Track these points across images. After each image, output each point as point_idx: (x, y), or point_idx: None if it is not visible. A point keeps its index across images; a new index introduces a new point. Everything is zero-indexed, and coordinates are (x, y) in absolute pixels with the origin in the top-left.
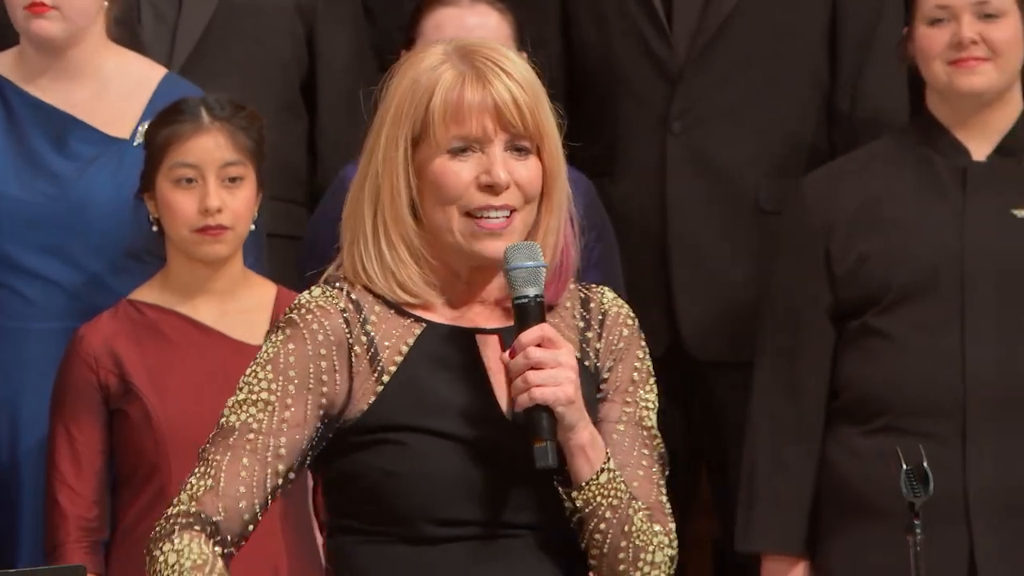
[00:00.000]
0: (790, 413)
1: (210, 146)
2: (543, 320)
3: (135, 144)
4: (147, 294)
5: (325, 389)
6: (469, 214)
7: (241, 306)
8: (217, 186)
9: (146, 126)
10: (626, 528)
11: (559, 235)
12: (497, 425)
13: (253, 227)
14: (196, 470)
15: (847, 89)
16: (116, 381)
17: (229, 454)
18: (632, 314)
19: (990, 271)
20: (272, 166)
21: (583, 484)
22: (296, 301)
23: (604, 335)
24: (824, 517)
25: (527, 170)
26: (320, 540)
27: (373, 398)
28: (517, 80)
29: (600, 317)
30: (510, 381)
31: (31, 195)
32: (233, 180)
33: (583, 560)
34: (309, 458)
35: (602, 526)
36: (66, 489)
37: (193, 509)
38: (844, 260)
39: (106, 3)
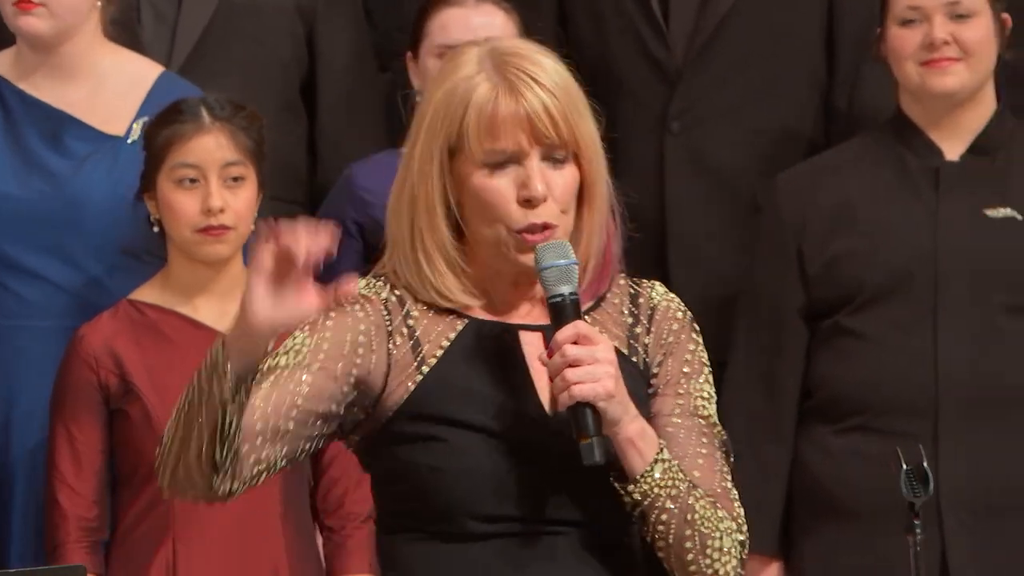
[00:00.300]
0: (767, 412)
1: (212, 146)
2: (579, 317)
3: (130, 141)
4: (147, 294)
5: (359, 361)
6: (515, 231)
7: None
8: (219, 186)
9: (142, 123)
10: (689, 517)
11: (602, 234)
12: (539, 421)
13: (253, 227)
14: None
15: (844, 88)
16: (116, 381)
17: (251, 392)
18: (683, 307)
19: (963, 271)
20: (272, 166)
21: (638, 477)
22: None
23: (653, 329)
24: (797, 517)
25: (563, 179)
26: (320, 541)
27: (412, 386)
28: (550, 89)
29: (649, 312)
30: (551, 380)
31: (26, 193)
32: (235, 180)
33: (629, 557)
34: (340, 424)
35: (664, 517)
36: (66, 489)
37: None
38: (817, 260)
39: (99, 2)
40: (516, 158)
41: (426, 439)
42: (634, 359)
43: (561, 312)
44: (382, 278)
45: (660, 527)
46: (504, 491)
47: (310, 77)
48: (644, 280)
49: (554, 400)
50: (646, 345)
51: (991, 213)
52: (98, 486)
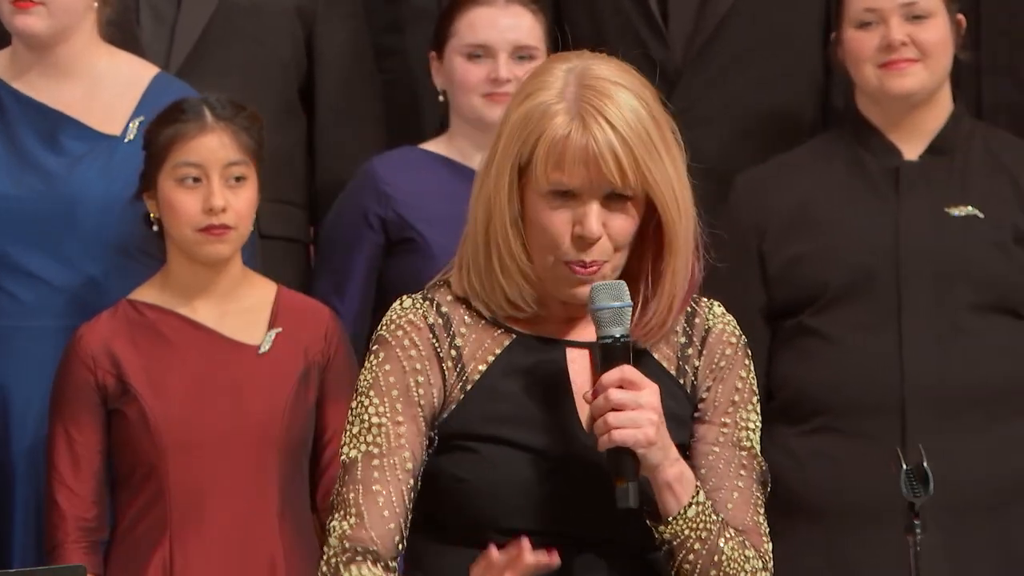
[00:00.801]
0: None
1: (214, 145)
2: (627, 361)
3: (126, 141)
4: (146, 294)
5: (423, 402)
6: (564, 262)
7: (240, 306)
8: (221, 186)
9: (139, 123)
10: (716, 558)
11: (686, 273)
12: (575, 438)
13: (252, 228)
14: (335, 514)
15: (842, 88)
16: (113, 381)
17: (360, 487)
18: (738, 331)
19: (926, 270)
20: (270, 167)
21: (670, 519)
22: (387, 317)
23: (705, 352)
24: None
25: (622, 221)
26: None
27: (455, 405)
28: (620, 131)
29: (703, 334)
30: (593, 420)
31: (22, 192)
32: (236, 180)
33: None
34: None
35: (691, 557)
36: (64, 489)
37: (347, 546)
38: (777, 260)
39: (96, 3)
40: (578, 194)
41: (458, 450)
42: (682, 381)
43: (610, 354)
44: (433, 291)
45: (686, 566)
46: (527, 505)
47: (309, 78)
48: (703, 299)
49: (592, 420)
50: (696, 368)
51: (953, 211)
52: (97, 486)
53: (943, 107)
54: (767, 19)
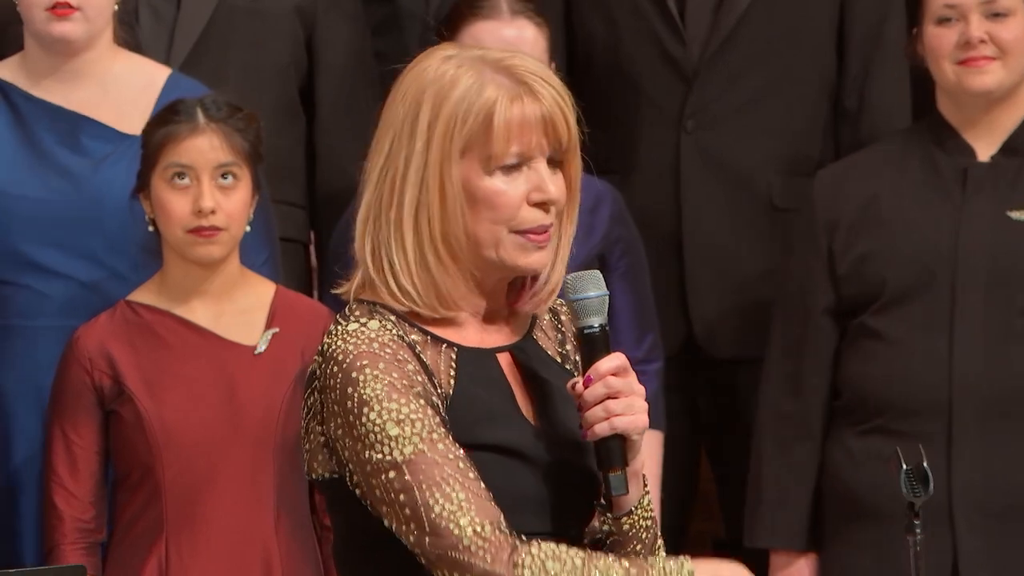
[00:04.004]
0: (795, 410)
1: (204, 147)
2: (609, 349)
3: None
4: (144, 295)
5: (434, 397)
6: (518, 231)
7: (237, 307)
8: (211, 187)
9: None
10: (654, 548)
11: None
12: (537, 439)
13: (248, 228)
14: (429, 525)
15: (855, 88)
16: (110, 383)
17: (438, 476)
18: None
19: (981, 273)
20: (270, 168)
21: (631, 510)
22: (358, 338)
23: (572, 348)
24: (826, 515)
25: (561, 183)
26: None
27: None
28: (561, 92)
29: (569, 327)
30: (584, 408)
31: (47, 194)
32: (227, 180)
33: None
34: None
35: (639, 548)
36: (62, 491)
37: (488, 528)
38: (845, 259)
39: (116, 6)
40: (529, 160)
41: None
42: (576, 374)
43: (594, 343)
44: (378, 309)
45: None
46: (519, 507)
47: (309, 79)
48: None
49: (538, 419)
50: (576, 362)
51: (1015, 215)
52: (94, 488)
53: (1020, 106)
54: (783, 19)
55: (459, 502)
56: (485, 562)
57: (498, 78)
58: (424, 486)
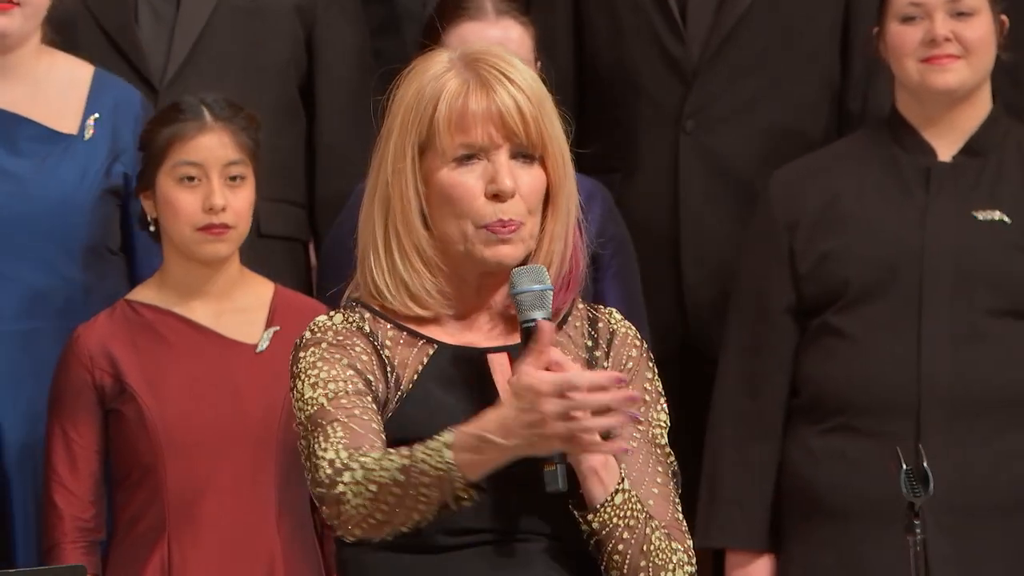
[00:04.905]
0: (753, 410)
1: (214, 145)
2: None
3: (85, 139)
4: (144, 294)
5: (373, 388)
6: (481, 226)
7: (237, 305)
8: (221, 185)
9: (94, 120)
10: (645, 548)
11: (566, 241)
12: None
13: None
14: (314, 462)
15: (858, 90)
16: (111, 381)
17: (335, 420)
18: (640, 336)
19: (948, 273)
20: (270, 168)
21: (598, 507)
22: (316, 326)
23: (612, 355)
24: (785, 515)
25: (531, 179)
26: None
27: (391, 414)
28: (521, 88)
29: (608, 337)
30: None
31: None
32: (235, 179)
33: (596, 567)
34: None
35: (620, 547)
36: (62, 490)
37: (343, 455)
38: (807, 258)
39: (49, 3)
40: (485, 153)
41: None
42: None
43: (533, 337)
44: (356, 307)
45: (616, 557)
46: (475, 507)
47: (309, 78)
48: (601, 306)
49: None
50: (605, 369)
51: (979, 215)
52: (94, 486)
53: (982, 107)
54: (784, 20)
55: (335, 441)
56: (329, 489)
57: (459, 72)
58: (315, 435)
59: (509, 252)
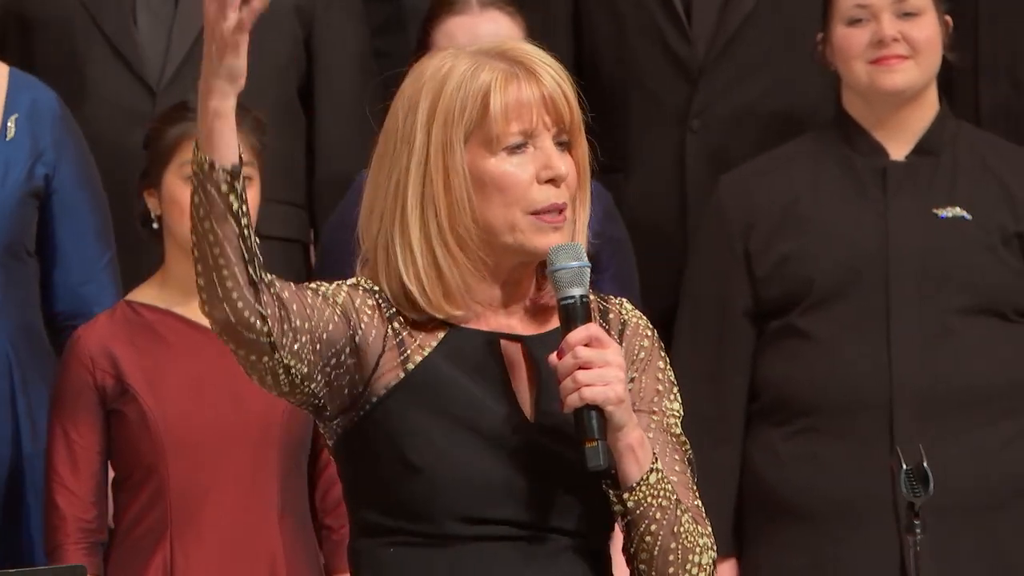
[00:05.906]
0: (713, 414)
1: None
2: (589, 320)
3: (7, 140)
4: (144, 294)
5: (362, 328)
6: (532, 212)
7: None
8: None
9: (15, 120)
10: (676, 529)
11: (586, 229)
12: (522, 429)
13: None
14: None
15: None
16: (112, 382)
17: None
18: (651, 326)
19: (913, 271)
20: (270, 168)
21: (634, 485)
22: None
23: (624, 345)
24: (749, 518)
25: (570, 164)
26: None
27: (395, 382)
28: (560, 73)
29: (620, 327)
30: (560, 381)
31: None
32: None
33: (609, 565)
34: (330, 393)
35: (653, 527)
36: (64, 491)
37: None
38: (765, 260)
39: None
40: (532, 140)
41: (410, 434)
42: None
43: (573, 314)
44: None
45: (648, 538)
46: (488, 493)
47: (309, 78)
48: (611, 297)
49: (536, 409)
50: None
51: (940, 213)
52: (96, 487)
53: (930, 107)
54: (789, 19)
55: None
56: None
57: (493, 63)
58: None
59: (559, 240)
